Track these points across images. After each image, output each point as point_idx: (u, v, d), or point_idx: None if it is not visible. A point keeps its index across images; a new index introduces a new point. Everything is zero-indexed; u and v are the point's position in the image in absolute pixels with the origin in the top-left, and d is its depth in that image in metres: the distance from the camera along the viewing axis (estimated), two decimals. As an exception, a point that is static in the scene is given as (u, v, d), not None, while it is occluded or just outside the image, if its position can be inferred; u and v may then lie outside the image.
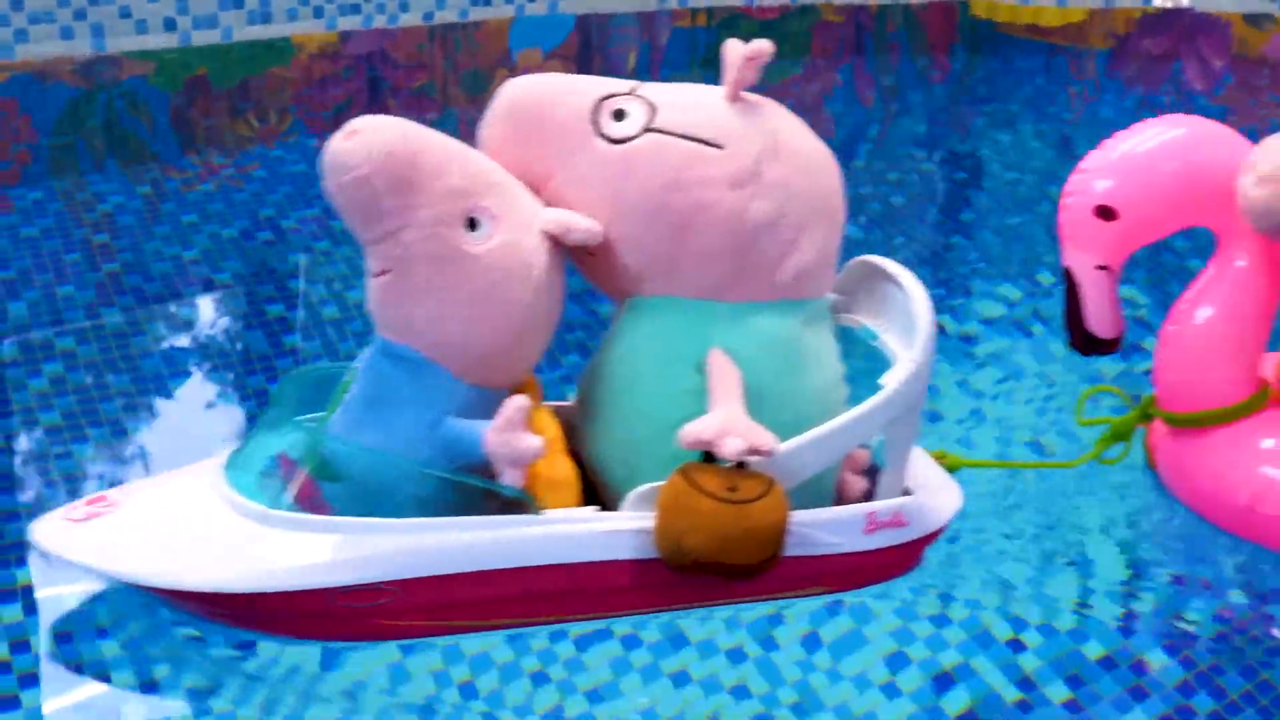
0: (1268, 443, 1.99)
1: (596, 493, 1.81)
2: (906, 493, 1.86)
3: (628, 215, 1.75)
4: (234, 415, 2.40)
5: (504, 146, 1.78)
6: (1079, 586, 1.92)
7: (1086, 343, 2.08)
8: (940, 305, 2.80)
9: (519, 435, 1.67)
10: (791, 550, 1.73)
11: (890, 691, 1.72)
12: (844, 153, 3.82)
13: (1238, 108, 4.12)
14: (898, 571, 1.88)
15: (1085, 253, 2.03)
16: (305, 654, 1.74)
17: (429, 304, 1.68)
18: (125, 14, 3.67)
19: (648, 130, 1.75)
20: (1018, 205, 3.39)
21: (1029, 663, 1.77)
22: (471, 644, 1.76)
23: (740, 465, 1.69)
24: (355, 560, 1.67)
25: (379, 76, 3.96)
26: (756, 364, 1.75)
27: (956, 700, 1.71)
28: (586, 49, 4.27)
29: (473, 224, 1.68)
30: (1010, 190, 3.54)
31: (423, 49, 4.04)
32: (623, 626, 1.80)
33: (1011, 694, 1.71)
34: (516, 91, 1.80)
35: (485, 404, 1.71)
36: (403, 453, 1.70)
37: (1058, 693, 1.72)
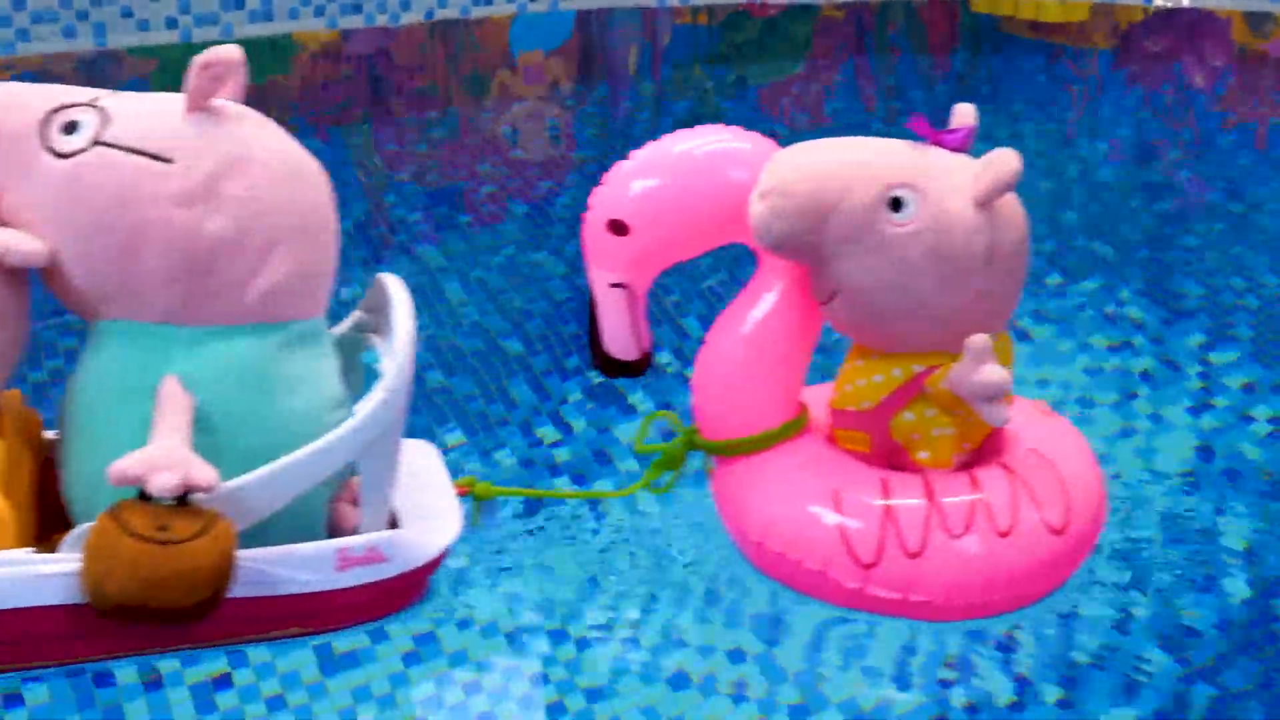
0: (783, 474, 1.87)
1: None
2: (395, 525, 1.79)
3: (76, 235, 1.64)
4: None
5: None
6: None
7: (606, 364, 1.95)
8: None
9: None
10: (249, 590, 1.65)
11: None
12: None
13: (1238, 106, 4.12)
14: (390, 607, 1.79)
15: (600, 269, 1.88)
16: (304, 656, 1.74)
17: None
18: (127, 13, 3.67)
19: (97, 144, 1.65)
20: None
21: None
22: (476, 647, 1.77)
23: (183, 501, 1.58)
24: None
25: (380, 75, 3.96)
26: (220, 391, 1.66)
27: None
28: (587, 46, 4.27)
29: None
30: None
31: (424, 47, 4.05)
32: (625, 629, 1.80)
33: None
34: None
35: None
36: None
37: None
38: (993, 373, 1.73)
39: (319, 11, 3.92)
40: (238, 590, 1.63)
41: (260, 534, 1.67)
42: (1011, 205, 1.84)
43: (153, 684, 1.68)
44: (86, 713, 1.64)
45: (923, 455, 1.87)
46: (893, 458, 1.89)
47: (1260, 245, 3.13)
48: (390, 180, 3.49)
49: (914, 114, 1.85)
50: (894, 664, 1.76)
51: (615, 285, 1.89)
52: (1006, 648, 1.79)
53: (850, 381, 1.91)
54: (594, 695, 1.70)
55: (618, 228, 1.85)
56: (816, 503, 1.83)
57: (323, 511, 1.77)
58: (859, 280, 1.79)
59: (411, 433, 2.30)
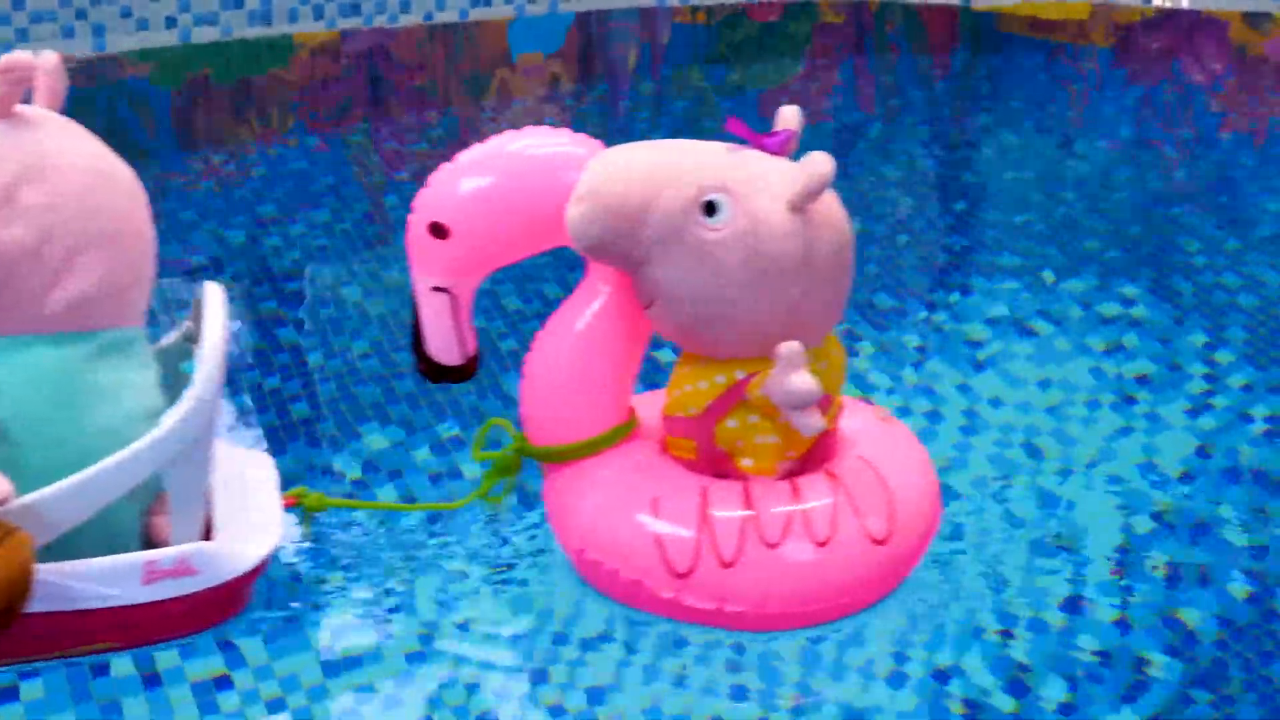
0: (603, 481, 1.83)
1: None
2: (210, 537, 1.76)
3: None
4: (229, 409, 2.40)
5: None
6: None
7: (431, 369, 1.91)
8: (940, 304, 2.81)
9: None
10: (51, 605, 1.62)
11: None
12: (845, 151, 3.84)
13: (1237, 106, 4.13)
14: (207, 620, 1.75)
15: (422, 272, 1.85)
16: (304, 656, 1.75)
17: None
18: (126, 13, 3.67)
19: None
20: (1019, 203, 3.39)
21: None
22: (477, 649, 1.77)
23: None
24: None
25: (379, 76, 3.96)
26: (22, 402, 1.64)
27: None
28: (587, 47, 4.27)
29: None
30: (1011, 188, 3.54)
31: (422, 48, 4.04)
32: (623, 631, 1.80)
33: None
34: None
35: None
36: None
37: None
38: (801, 381, 1.70)
39: (318, 13, 3.92)
40: (39, 605, 1.60)
41: (68, 547, 1.64)
42: (830, 209, 1.80)
43: (150, 679, 1.69)
44: (83, 707, 1.64)
45: (746, 463, 1.84)
46: (719, 465, 1.86)
47: (1259, 244, 3.14)
48: (390, 180, 3.49)
49: (730, 117, 1.80)
50: (890, 662, 1.76)
51: (437, 289, 1.86)
52: (1004, 644, 1.79)
53: (678, 387, 1.87)
54: (595, 696, 1.70)
55: (438, 230, 1.82)
56: (634, 511, 1.80)
57: (135, 524, 1.74)
58: (674, 286, 1.76)
59: (410, 430, 2.30)
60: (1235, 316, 2.77)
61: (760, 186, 1.74)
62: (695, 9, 4.39)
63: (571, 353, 1.85)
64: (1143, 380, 2.50)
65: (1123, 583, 1.92)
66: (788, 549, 1.75)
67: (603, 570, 1.82)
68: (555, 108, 4.06)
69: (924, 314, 2.75)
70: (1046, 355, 2.59)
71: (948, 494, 2.12)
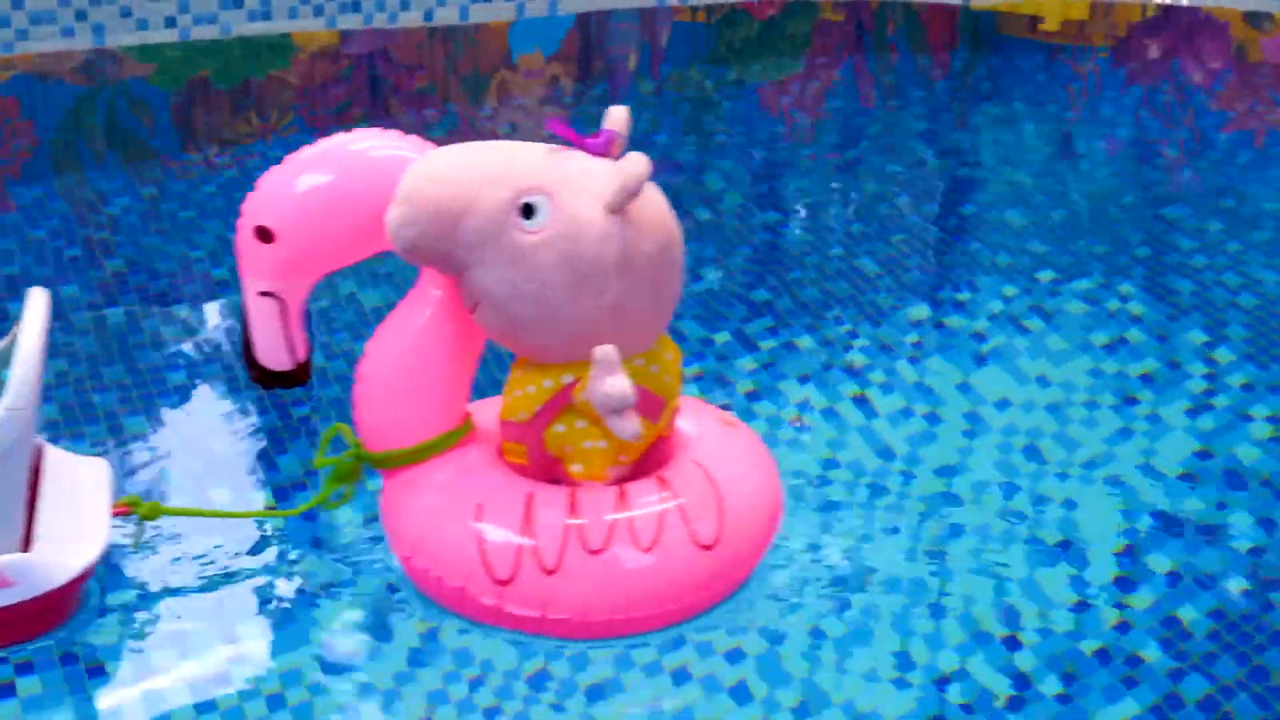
0: (430, 488, 1.83)
1: None
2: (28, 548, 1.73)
3: None
4: (230, 409, 2.40)
5: None
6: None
7: (262, 375, 1.90)
8: (939, 303, 2.81)
9: None
10: None
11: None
12: (845, 150, 3.84)
13: (1237, 105, 4.12)
14: (27, 632, 1.73)
15: (250, 277, 1.84)
16: (305, 654, 1.75)
17: None
18: (126, 13, 3.67)
19: None
20: (1019, 203, 3.39)
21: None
22: (480, 646, 1.77)
23: None
24: None
25: (379, 75, 3.96)
26: None
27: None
28: (587, 48, 4.27)
29: None
30: (1011, 188, 3.54)
31: (422, 48, 4.05)
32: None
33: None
34: None
35: None
36: None
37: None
38: (614, 385, 1.70)
39: (318, 11, 3.92)
40: None
41: None
42: (653, 212, 1.78)
43: (145, 675, 1.69)
44: (79, 704, 1.64)
45: (576, 468, 1.83)
46: (550, 470, 1.85)
47: (1258, 244, 3.14)
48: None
49: (551, 118, 1.79)
50: (891, 662, 1.76)
51: (265, 294, 1.84)
52: (1006, 645, 1.80)
53: (510, 392, 1.85)
54: (594, 693, 1.71)
55: (264, 234, 1.80)
56: (457, 517, 1.79)
57: None
58: (494, 290, 1.74)
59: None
60: (1235, 315, 2.77)
61: (579, 188, 1.72)
62: (695, 8, 4.39)
63: (402, 357, 1.83)
64: (1144, 379, 2.50)
65: (1123, 582, 1.93)
66: (611, 555, 1.74)
67: (429, 577, 1.81)
68: (555, 108, 4.06)
69: (924, 313, 2.75)
70: (1046, 354, 2.59)
71: (947, 493, 2.13)
